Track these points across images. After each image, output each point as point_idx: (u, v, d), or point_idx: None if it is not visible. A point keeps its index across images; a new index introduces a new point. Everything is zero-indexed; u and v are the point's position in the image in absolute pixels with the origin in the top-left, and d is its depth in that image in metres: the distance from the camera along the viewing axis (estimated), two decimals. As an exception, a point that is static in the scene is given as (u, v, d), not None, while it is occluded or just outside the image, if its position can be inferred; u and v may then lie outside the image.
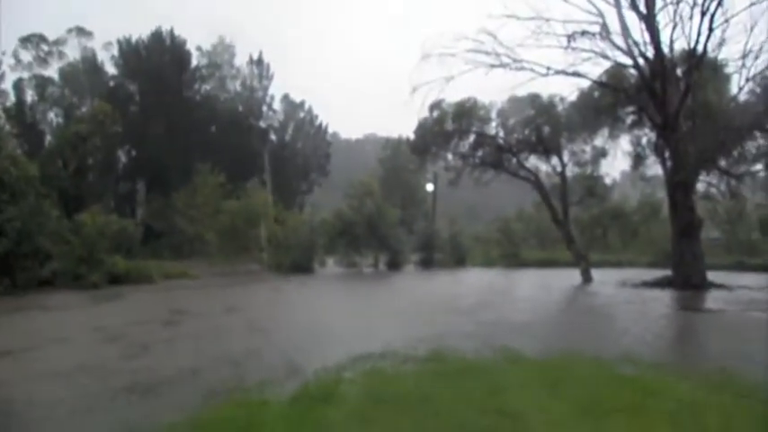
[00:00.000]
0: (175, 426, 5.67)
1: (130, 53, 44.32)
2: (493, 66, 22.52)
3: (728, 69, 23.25)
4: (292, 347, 10.11)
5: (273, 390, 6.95)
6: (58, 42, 42.74)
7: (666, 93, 21.06)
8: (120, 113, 39.02)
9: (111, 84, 44.18)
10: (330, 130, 55.67)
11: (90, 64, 43.39)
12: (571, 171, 27.04)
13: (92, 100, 41.50)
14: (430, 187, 43.22)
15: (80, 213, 21.72)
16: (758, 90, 22.27)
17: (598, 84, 23.82)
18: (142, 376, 7.90)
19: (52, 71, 42.44)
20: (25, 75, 41.42)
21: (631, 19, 21.65)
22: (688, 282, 20.52)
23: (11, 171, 18.67)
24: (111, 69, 44.84)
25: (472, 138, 26.89)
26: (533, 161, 26.99)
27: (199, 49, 47.71)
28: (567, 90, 31.22)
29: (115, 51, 44.65)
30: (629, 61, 21.91)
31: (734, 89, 23.07)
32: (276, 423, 5.61)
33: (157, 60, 43.54)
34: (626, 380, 7.28)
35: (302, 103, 50.87)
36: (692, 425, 5.44)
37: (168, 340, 10.82)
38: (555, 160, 26.28)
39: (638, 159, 27.62)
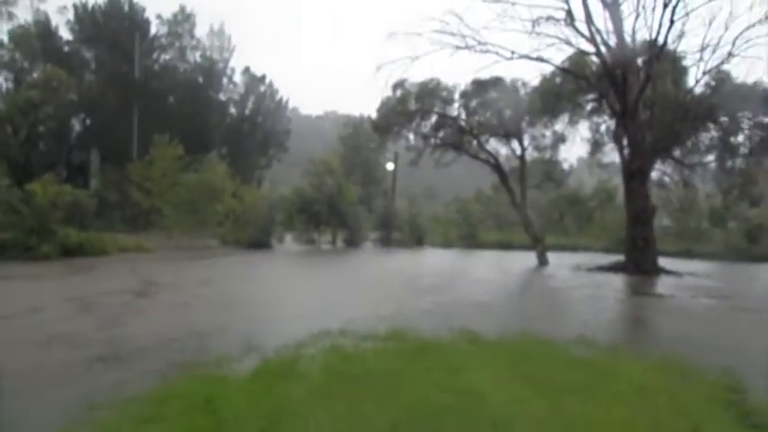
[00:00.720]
0: (134, 400, 5.62)
1: (87, 18, 42.92)
2: (458, 47, 22.60)
3: (687, 62, 23.89)
4: (252, 323, 10.11)
5: (232, 365, 6.94)
6: (6, 2, 41.04)
7: (627, 81, 21.45)
8: (74, 80, 37.97)
9: (66, 49, 42.72)
10: (290, 106, 55.11)
11: (43, 27, 41.82)
12: (530, 155, 27.47)
13: (45, 65, 40.08)
14: (390, 166, 43.26)
15: (31, 183, 21.09)
16: (713, 83, 22.89)
17: (561, 69, 24.11)
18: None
19: (1, 33, 40.86)
20: (-29, 36, 39.77)
21: (595, 7, 21.99)
22: (640, 267, 21.09)
23: (-42, 137, 18.06)
24: (65, 34, 43.34)
25: (434, 118, 27.01)
26: (494, 144, 27.36)
27: (159, 17, 46.57)
28: (529, 75, 31.51)
29: (71, 16, 43.16)
30: (591, 49, 22.22)
31: (691, 81, 23.69)
32: (237, 398, 5.61)
33: (115, 27, 42.33)
34: (580, 361, 7.47)
35: (263, 77, 50.15)
36: (643, 405, 5.62)
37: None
38: (515, 144, 26.68)
39: (595, 146, 28.22)
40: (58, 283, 15.06)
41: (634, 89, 21.46)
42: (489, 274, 20.79)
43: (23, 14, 41.75)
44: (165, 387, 6.06)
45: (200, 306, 11.97)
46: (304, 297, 14.19)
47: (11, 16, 40.84)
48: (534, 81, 25.81)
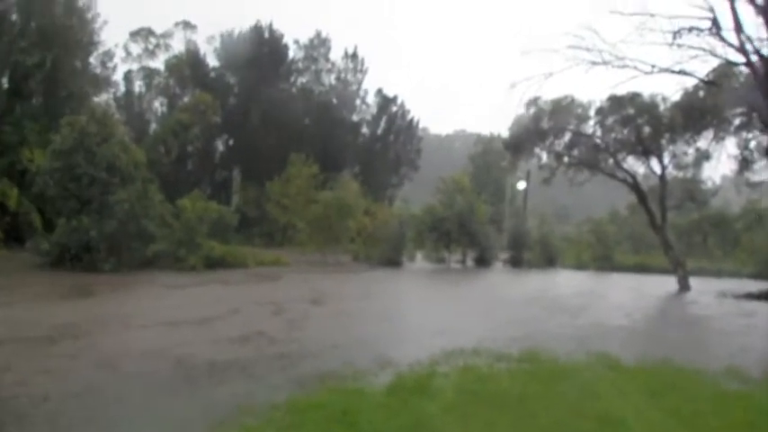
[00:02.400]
0: (275, 408, 5.85)
1: (231, 45, 45.71)
2: (594, 63, 21.88)
3: None
4: (388, 339, 10.32)
5: (367, 379, 7.07)
6: (165, 35, 44.74)
7: (782, 91, 19.89)
8: (219, 104, 40.48)
9: (213, 75, 45.70)
10: (421, 126, 55.62)
11: (193, 56, 45.04)
12: (671, 174, 26.04)
13: (194, 90, 43.09)
14: (522, 185, 42.61)
15: (179, 199, 22.62)
16: None
17: (705, 82, 22.77)
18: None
19: (159, 63, 44.51)
20: (134, 66, 43.63)
21: (746, 12, 20.55)
22: (796, 294, 19.44)
23: (121, 156, 19.67)
24: (212, 61, 46.40)
25: (568, 136, 26.31)
26: (631, 162, 26.10)
27: (296, 42, 48.67)
28: (670, 89, 29.87)
29: (217, 44, 46.19)
30: (741, 59, 20.81)
31: None
32: (374, 412, 5.70)
33: (256, 53, 44.70)
34: (732, 395, 6.96)
35: (395, 98, 50.98)
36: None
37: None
38: (654, 162, 25.33)
39: (744, 163, 26.19)
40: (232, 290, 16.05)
41: (789, 100, 19.87)
42: (626, 298, 19.89)
43: (177, 45, 45.26)
44: (304, 396, 6.28)
45: (343, 320, 12.31)
46: (440, 315, 14.25)
47: (167, 48, 44.51)
48: (675, 95, 24.50)
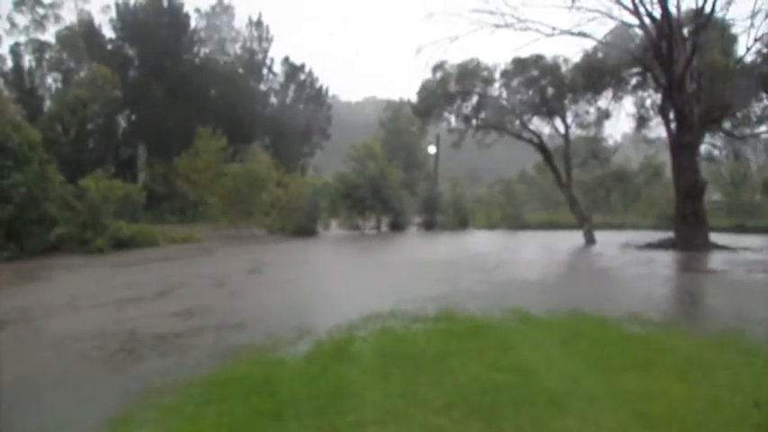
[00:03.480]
0: (191, 384, 5.78)
1: (128, 15, 43.61)
2: (498, 26, 22.37)
3: (736, 29, 23.13)
4: (304, 305, 10.32)
5: (286, 348, 7.08)
6: (53, 5, 42.06)
7: (673, 53, 20.90)
8: (119, 78, 38.76)
9: (110, 47, 43.53)
10: (330, 93, 55.17)
11: (87, 27, 42.62)
12: (574, 133, 27.02)
13: (90, 64, 41.02)
14: (432, 149, 43.10)
15: (82, 179, 21.65)
16: (765, 50, 22.13)
17: (603, 44, 23.63)
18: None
19: (49, 35, 41.87)
20: (22, 39, 40.83)
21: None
22: (691, 243, 20.65)
23: (13, 137, 18.56)
24: (109, 33, 44.14)
25: (475, 99, 26.80)
26: (537, 123, 26.91)
27: (197, 11, 47.14)
28: (571, 51, 30.83)
29: (113, 14, 43.92)
30: (635, 21, 21.72)
31: (741, 50, 22.96)
32: (293, 380, 5.72)
33: (155, 23, 42.95)
34: (634, 338, 7.42)
35: (302, 66, 50.30)
36: (702, 381, 5.54)
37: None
38: (558, 122, 26.24)
39: (641, 121, 27.52)
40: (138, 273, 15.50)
41: (680, 60, 20.91)
42: (536, 254, 20.62)
43: (69, 16, 42.76)
44: (223, 370, 6.24)
45: (248, 290, 12.19)
46: (355, 280, 14.36)
47: (57, 18, 41.88)
48: (576, 57, 25.39)
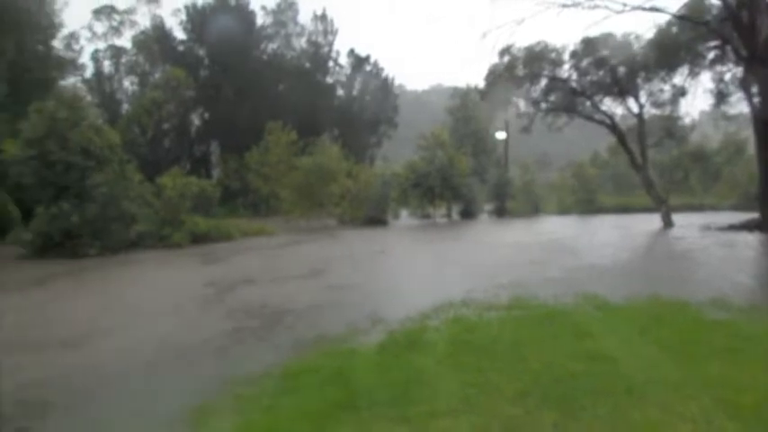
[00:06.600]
0: (267, 375, 5.89)
1: (197, 17, 44.81)
2: (564, 5, 21.75)
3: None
4: (376, 297, 10.40)
5: (358, 339, 7.13)
6: (128, 12, 43.55)
7: (755, 22, 19.84)
8: (191, 78, 39.85)
9: (181, 49, 44.85)
10: (396, 83, 55.19)
11: (160, 31, 44.09)
12: (649, 112, 26.11)
13: (164, 66, 42.34)
14: (501, 135, 42.54)
15: (159, 177, 22.41)
16: None
17: (677, 18, 22.68)
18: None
19: (125, 41, 43.47)
20: (101, 46, 42.51)
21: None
22: (778, 224, 19.68)
23: (95, 140, 19.34)
24: (180, 35, 45.50)
25: (544, 82, 26.29)
26: (609, 104, 26.21)
27: (263, 8, 47.99)
28: (642, 27, 29.73)
29: (183, 17, 45.22)
30: (711, -10, 20.74)
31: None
32: (367, 370, 5.75)
33: (223, 23, 43.89)
34: (718, 324, 7.09)
35: (367, 57, 50.49)
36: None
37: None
38: (631, 102, 25.43)
39: (720, 97, 26.23)
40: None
41: (763, 30, 19.83)
42: (611, 238, 20.11)
43: (143, 21, 44.19)
44: (296, 361, 6.33)
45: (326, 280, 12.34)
46: (427, 269, 14.37)
47: (132, 24, 43.38)
48: (648, 34, 24.46)
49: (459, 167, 31.80)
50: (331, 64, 49.80)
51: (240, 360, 6.74)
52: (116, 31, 43.08)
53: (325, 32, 49.09)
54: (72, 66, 34.34)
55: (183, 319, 9.23)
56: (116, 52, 42.81)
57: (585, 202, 34.98)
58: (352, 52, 50.19)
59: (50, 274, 14.54)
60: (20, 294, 11.92)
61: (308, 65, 48.34)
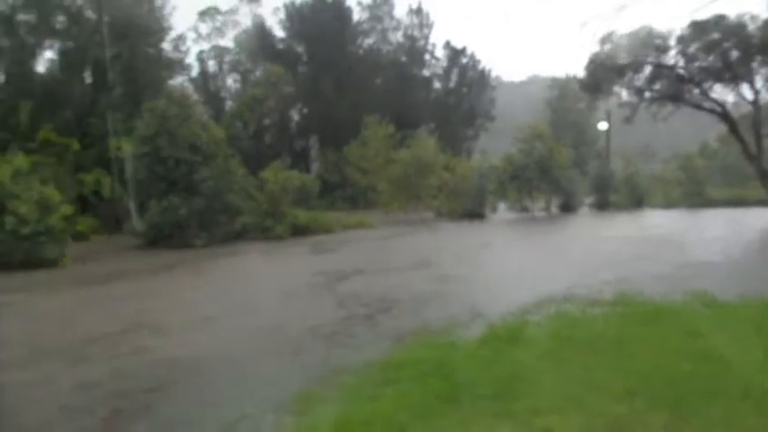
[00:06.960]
0: (369, 365, 5.99)
1: (295, 15, 45.92)
2: (671, -13, 20.79)
3: None
4: (478, 290, 10.38)
5: (457, 332, 7.13)
6: (231, 12, 45.11)
7: None
8: (290, 74, 40.87)
9: (281, 46, 46.10)
10: (493, 75, 54.51)
11: (260, 30, 45.40)
12: (765, 99, 24.56)
13: (264, 64, 43.62)
14: (603, 126, 41.19)
15: (261, 171, 23.19)
16: None
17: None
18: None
19: (228, 40, 45.09)
20: (205, 46, 44.33)
21: None
22: None
23: (201, 136, 20.26)
24: (279, 33, 46.83)
25: (648, 70, 25.23)
26: (719, 90, 24.79)
27: (359, 3, 48.45)
28: (759, 7, 27.88)
29: (282, 15, 46.50)
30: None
31: None
32: (468, 363, 5.74)
33: (321, 19, 44.75)
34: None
35: (464, 49, 50.18)
36: None
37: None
38: (745, 88, 23.98)
39: None
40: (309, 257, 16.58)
41: None
42: (724, 234, 19.05)
43: (244, 20, 45.66)
44: (397, 353, 6.39)
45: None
46: (527, 263, 14.19)
47: (235, 24, 44.94)
48: (765, 13, 22.97)
49: (559, 159, 31.02)
50: (427, 57, 49.89)
51: (346, 348, 6.93)
52: (219, 31, 44.67)
53: (421, 26, 49.17)
54: (179, 66, 35.84)
55: (294, 306, 9.71)
56: (219, 52, 44.53)
57: (693, 195, 33.38)
58: (448, 45, 50.10)
59: (174, 263, 15.90)
60: (157, 279, 13.56)
61: (404, 58, 48.60)
